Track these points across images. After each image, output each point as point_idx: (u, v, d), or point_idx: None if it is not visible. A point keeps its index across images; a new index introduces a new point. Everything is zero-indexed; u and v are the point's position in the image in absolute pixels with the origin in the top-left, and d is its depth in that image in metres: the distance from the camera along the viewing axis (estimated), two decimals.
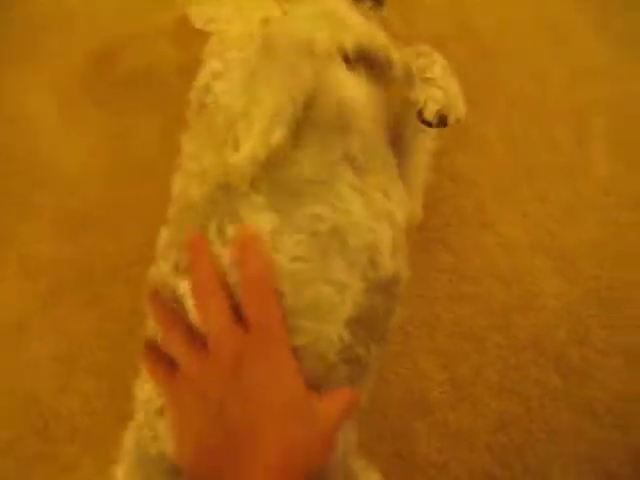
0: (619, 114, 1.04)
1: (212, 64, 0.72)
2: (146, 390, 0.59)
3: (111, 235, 0.96)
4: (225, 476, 0.49)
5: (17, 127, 1.06)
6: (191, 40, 1.08)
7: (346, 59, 0.65)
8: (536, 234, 0.96)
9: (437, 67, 0.67)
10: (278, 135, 0.56)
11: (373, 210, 0.59)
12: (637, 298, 0.92)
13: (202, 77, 0.72)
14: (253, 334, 0.51)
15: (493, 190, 0.97)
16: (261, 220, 0.56)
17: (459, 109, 0.65)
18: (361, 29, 0.61)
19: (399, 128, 0.73)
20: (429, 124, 0.64)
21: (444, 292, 0.92)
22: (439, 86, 0.65)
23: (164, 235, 0.64)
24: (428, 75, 0.66)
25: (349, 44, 0.58)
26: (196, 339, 0.53)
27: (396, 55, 0.65)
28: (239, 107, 0.57)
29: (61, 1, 1.15)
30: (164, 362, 0.55)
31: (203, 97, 0.68)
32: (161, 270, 0.60)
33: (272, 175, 0.58)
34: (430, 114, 0.63)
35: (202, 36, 1.04)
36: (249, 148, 0.56)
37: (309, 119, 0.59)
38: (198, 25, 0.95)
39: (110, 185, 0.99)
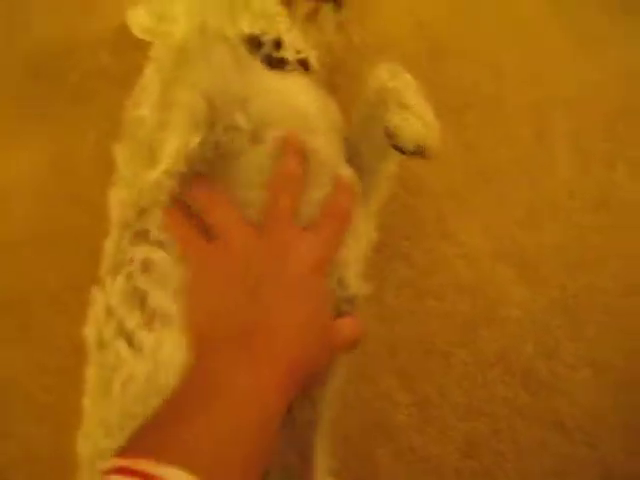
0: (580, 109, 1.00)
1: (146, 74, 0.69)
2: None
3: (46, 260, 0.89)
4: (231, 351, 0.48)
5: None
6: (131, 50, 1.03)
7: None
8: (498, 241, 0.92)
9: (411, 91, 0.63)
10: (196, 139, 0.54)
11: None
12: (602, 305, 0.89)
13: (135, 91, 0.68)
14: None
15: (452, 197, 0.93)
16: None
17: (436, 139, 0.61)
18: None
19: (359, 146, 0.69)
20: (403, 152, 0.61)
21: (405, 308, 0.88)
22: (416, 113, 0.61)
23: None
24: (404, 100, 0.62)
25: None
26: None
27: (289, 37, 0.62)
28: (150, 117, 0.57)
29: None
30: (193, 224, 0.55)
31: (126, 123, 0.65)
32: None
33: None
34: (408, 143, 0.60)
35: (144, 46, 0.99)
36: (166, 159, 0.54)
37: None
38: (138, 34, 0.90)
39: (44, 205, 0.92)
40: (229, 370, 0.47)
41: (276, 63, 0.59)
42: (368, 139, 0.69)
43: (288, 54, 0.60)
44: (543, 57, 1.03)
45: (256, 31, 0.60)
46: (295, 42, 0.61)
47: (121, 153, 0.66)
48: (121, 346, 0.56)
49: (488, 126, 0.97)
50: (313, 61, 0.61)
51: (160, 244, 0.57)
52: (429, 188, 0.92)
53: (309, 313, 0.52)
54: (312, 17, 0.72)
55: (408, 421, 0.84)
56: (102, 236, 0.63)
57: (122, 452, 0.42)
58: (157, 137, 0.56)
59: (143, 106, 0.60)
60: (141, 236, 0.59)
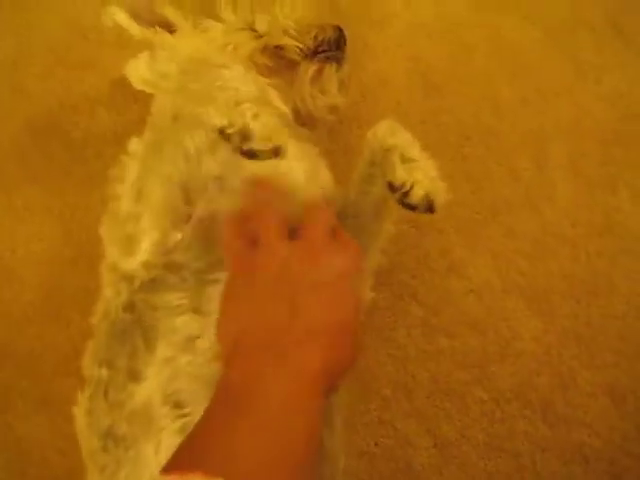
0: (577, 136, 1.01)
1: (131, 143, 0.72)
2: None
3: (56, 324, 0.89)
4: (266, 358, 0.48)
5: None
6: (128, 105, 1.04)
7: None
8: (506, 274, 0.92)
9: (413, 148, 0.64)
10: (173, 237, 0.58)
11: None
12: (616, 331, 0.89)
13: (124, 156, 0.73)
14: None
15: (457, 232, 0.93)
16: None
17: (443, 193, 0.62)
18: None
19: (359, 206, 0.70)
20: (413, 208, 0.61)
21: (417, 348, 0.87)
22: (422, 168, 0.62)
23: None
24: (408, 156, 0.63)
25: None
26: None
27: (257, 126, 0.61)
28: (128, 206, 0.60)
29: None
30: (246, 235, 0.56)
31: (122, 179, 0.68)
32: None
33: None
34: (417, 198, 0.60)
35: (140, 99, 1.00)
36: (143, 252, 0.58)
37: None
38: (137, 85, 0.91)
39: (52, 270, 0.92)
40: (265, 377, 0.46)
41: (246, 155, 0.59)
42: (368, 199, 0.70)
43: (256, 145, 0.59)
44: (539, 87, 1.04)
45: (222, 122, 0.60)
46: (264, 130, 0.60)
47: (104, 230, 0.69)
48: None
49: (489, 158, 0.98)
50: (285, 147, 0.60)
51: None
52: (433, 224, 0.92)
53: (341, 317, 0.52)
54: (316, 79, 0.74)
55: (429, 463, 0.83)
56: None
57: (169, 468, 0.42)
58: (133, 228, 0.59)
59: (120, 194, 0.62)
60: (128, 309, 0.62)
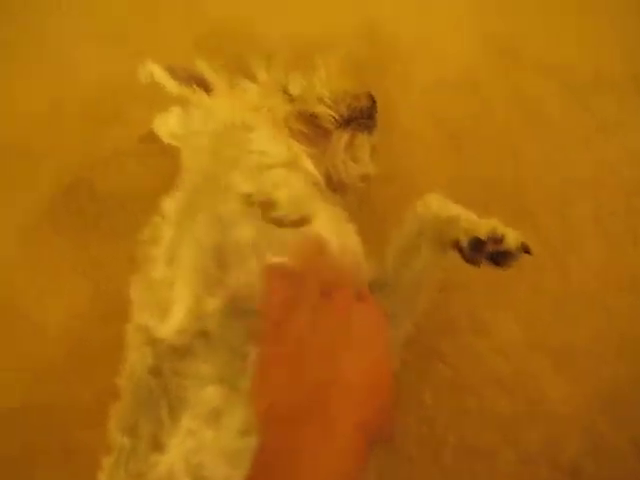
0: (601, 191, 1.01)
1: (167, 203, 0.72)
2: None
3: (80, 378, 0.89)
4: (306, 423, 0.47)
5: None
6: (156, 159, 1.05)
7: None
8: (532, 332, 0.92)
9: (469, 213, 0.67)
10: (210, 305, 0.57)
11: None
12: None
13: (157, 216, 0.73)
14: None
15: (483, 290, 0.93)
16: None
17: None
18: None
19: (397, 275, 0.70)
20: (504, 257, 0.62)
21: (444, 409, 0.86)
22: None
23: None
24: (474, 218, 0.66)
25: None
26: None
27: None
28: (161, 271, 0.60)
29: (21, 128, 1.10)
30: (285, 292, 0.55)
31: (154, 241, 0.68)
32: None
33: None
34: (515, 242, 0.62)
35: (168, 154, 1.01)
36: (177, 319, 0.58)
37: None
38: (165, 139, 0.93)
39: (77, 324, 0.93)
40: (305, 442, 0.46)
41: (273, 222, 0.60)
42: (409, 269, 0.70)
43: (282, 214, 0.60)
44: (561, 142, 1.05)
45: (249, 190, 0.61)
46: (290, 200, 0.61)
47: (135, 292, 0.69)
48: None
49: (513, 214, 0.98)
50: (312, 215, 0.61)
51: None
52: (459, 282, 0.92)
53: (377, 374, 0.52)
54: (349, 147, 0.75)
55: None
56: None
57: None
58: (166, 293, 0.59)
59: (153, 257, 0.62)
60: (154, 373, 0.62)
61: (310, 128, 0.78)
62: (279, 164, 0.66)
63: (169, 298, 0.60)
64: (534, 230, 0.98)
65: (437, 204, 0.68)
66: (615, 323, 0.92)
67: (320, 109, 0.78)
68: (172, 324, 0.60)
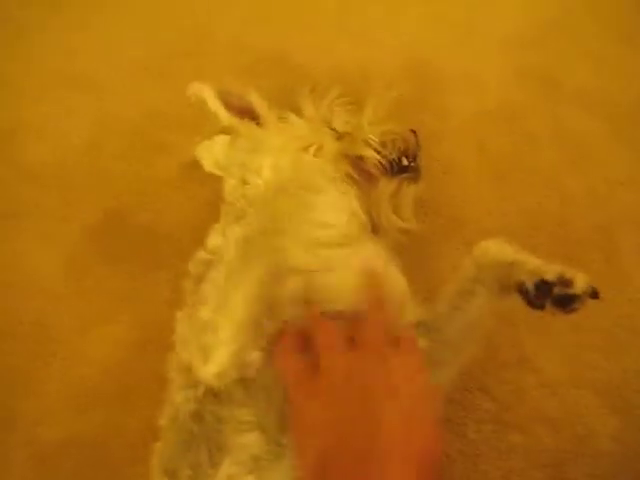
0: None
1: (213, 239, 0.73)
2: None
3: (123, 409, 0.89)
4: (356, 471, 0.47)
5: (22, 290, 1.00)
6: (196, 188, 1.06)
7: None
8: (578, 368, 0.90)
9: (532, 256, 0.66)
10: (253, 355, 0.58)
11: None
12: None
13: (203, 252, 0.73)
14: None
15: (527, 326, 0.91)
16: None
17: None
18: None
19: (448, 318, 0.70)
20: (571, 299, 0.61)
21: (488, 445, 0.84)
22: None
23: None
24: (536, 261, 0.65)
25: None
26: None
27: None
28: (207, 313, 0.60)
29: (65, 159, 1.12)
30: (301, 359, 0.56)
31: (200, 277, 0.68)
32: None
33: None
34: (584, 284, 0.61)
35: (208, 181, 1.02)
36: (218, 363, 0.58)
37: None
38: (207, 168, 0.94)
39: (120, 352, 0.93)
40: None
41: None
42: (461, 314, 0.69)
43: (321, 299, 0.61)
44: (604, 177, 1.05)
45: (298, 263, 0.62)
46: (332, 289, 0.62)
47: (179, 330, 0.70)
48: None
49: (557, 250, 0.97)
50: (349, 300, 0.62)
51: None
52: (503, 317, 0.91)
53: (424, 419, 0.52)
54: (393, 198, 0.76)
55: None
56: None
57: None
58: (212, 337, 0.59)
59: (201, 298, 0.63)
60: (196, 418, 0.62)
61: (356, 171, 0.79)
62: (335, 243, 0.66)
63: (214, 342, 0.60)
64: (578, 265, 0.95)
65: (496, 249, 0.67)
66: None
67: (368, 153, 0.79)
68: (213, 367, 0.60)
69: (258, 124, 0.83)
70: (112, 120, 1.15)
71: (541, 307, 0.62)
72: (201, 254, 0.72)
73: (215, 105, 0.83)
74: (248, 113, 0.84)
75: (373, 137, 0.79)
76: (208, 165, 0.95)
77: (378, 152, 0.79)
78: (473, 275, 0.67)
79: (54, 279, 0.99)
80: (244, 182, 0.80)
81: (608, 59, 1.23)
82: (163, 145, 1.12)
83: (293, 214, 0.64)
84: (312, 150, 0.79)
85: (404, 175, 0.79)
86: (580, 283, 0.60)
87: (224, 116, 0.83)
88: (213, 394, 0.61)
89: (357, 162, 0.79)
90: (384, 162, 0.79)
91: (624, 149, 1.08)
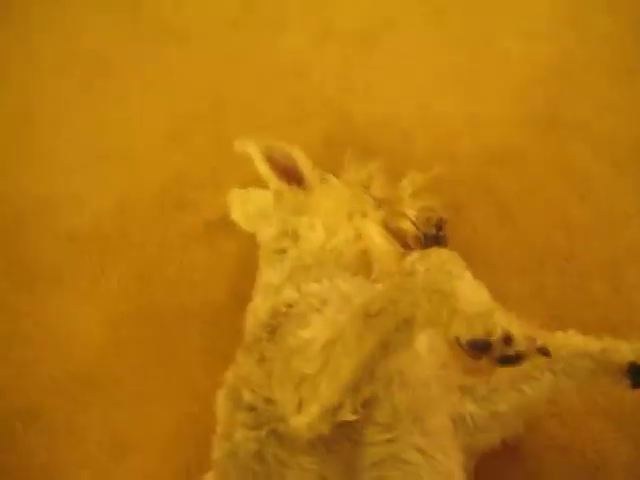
0: None
1: (287, 292, 0.76)
2: None
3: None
4: None
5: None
6: (222, 243, 1.14)
7: None
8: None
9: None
10: (346, 415, 0.59)
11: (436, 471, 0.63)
12: None
13: (269, 302, 0.78)
14: None
15: None
16: None
17: None
18: None
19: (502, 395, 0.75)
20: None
21: (504, 473, 0.86)
22: None
23: None
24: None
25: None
26: None
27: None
28: (311, 368, 0.60)
29: (93, 222, 1.21)
30: None
31: (274, 327, 0.72)
32: None
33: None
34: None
35: (233, 237, 1.10)
36: (311, 416, 0.59)
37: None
38: (235, 216, 1.01)
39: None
40: None
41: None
42: (521, 395, 0.75)
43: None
44: (609, 211, 1.09)
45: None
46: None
47: (245, 366, 0.73)
48: None
49: (565, 283, 1.01)
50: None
51: None
52: None
53: None
54: None
55: None
56: None
57: None
58: (307, 389, 0.60)
59: (301, 343, 0.65)
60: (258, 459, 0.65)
61: (395, 240, 0.85)
62: None
63: (312, 395, 0.60)
64: (586, 297, 1.00)
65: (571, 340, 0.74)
66: None
67: (409, 227, 0.86)
68: (306, 418, 0.60)
69: (300, 182, 0.89)
70: (140, 185, 1.24)
71: None
72: (277, 305, 0.75)
73: (262, 166, 0.88)
74: (291, 170, 0.89)
75: (413, 212, 0.87)
76: (236, 213, 1.01)
77: (417, 227, 0.86)
78: (543, 364, 0.73)
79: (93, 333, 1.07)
80: (290, 234, 0.86)
81: (609, 98, 1.27)
82: (187, 203, 1.20)
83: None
84: (357, 217, 0.85)
85: (435, 245, 0.84)
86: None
87: (271, 179, 0.88)
88: (276, 437, 0.64)
89: (397, 233, 0.86)
90: (421, 236, 0.86)
91: (629, 186, 1.13)
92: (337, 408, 0.58)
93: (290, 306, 0.73)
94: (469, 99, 1.30)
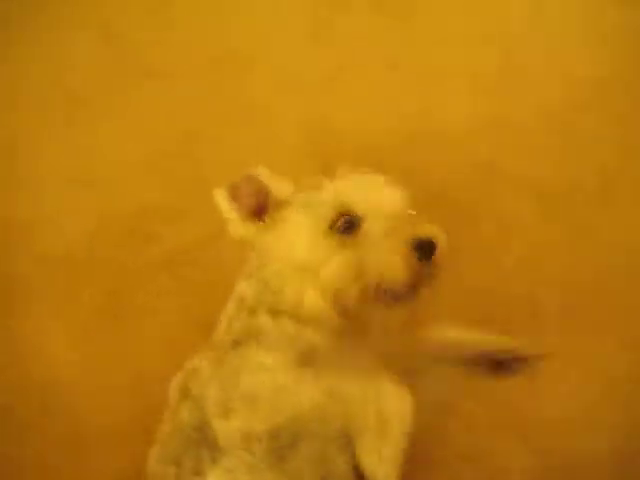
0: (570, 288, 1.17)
1: (262, 319, 0.80)
2: None
3: None
4: None
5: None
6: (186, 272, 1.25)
7: None
8: (496, 411, 1.04)
9: None
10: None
11: None
12: None
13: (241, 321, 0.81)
14: None
15: None
16: None
17: None
18: None
19: None
20: None
21: None
22: None
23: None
24: None
25: None
26: None
27: None
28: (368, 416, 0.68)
29: (71, 247, 1.31)
30: None
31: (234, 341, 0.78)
32: None
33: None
34: None
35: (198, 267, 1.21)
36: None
37: None
38: (235, 233, 0.87)
39: None
40: None
41: None
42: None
43: None
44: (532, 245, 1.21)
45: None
46: None
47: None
48: None
49: (486, 318, 1.11)
50: None
51: None
52: None
53: None
54: None
55: None
56: None
57: None
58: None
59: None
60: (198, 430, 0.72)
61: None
62: None
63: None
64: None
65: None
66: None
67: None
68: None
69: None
70: (112, 214, 1.33)
71: None
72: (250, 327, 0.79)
73: (225, 207, 0.83)
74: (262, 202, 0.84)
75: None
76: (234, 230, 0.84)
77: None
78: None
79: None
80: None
81: (543, 149, 1.31)
82: (154, 235, 1.31)
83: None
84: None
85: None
86: None
87: (232, 216, 0.82)
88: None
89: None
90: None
91: (553, 226, 1.23)
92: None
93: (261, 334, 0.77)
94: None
